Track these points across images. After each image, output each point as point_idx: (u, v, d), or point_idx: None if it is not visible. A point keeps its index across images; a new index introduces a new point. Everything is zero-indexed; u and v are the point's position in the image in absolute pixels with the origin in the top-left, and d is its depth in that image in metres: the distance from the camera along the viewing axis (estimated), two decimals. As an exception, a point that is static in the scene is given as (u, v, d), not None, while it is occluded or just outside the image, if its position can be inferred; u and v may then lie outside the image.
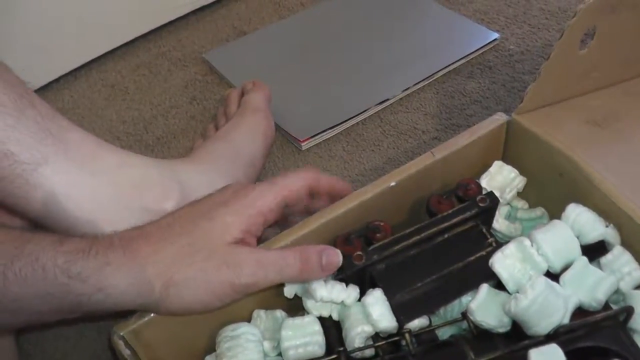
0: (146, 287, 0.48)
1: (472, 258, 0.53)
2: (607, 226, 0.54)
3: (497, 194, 0.57)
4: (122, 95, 0.90)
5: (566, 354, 0.46)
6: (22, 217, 0.61)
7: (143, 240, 0.49)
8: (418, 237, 0.53)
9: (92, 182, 0.56)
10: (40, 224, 0.58)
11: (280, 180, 0.54)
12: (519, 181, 0.61)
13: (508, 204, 0.62)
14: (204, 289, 0.48)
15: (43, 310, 0.47)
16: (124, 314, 0.51)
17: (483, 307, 0.49)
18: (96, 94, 0.91)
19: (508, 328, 0.49)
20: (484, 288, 0.50)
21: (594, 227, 0.53)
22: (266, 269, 0.49)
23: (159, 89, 0.90)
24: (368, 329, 0.50)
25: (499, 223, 0.59)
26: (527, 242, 0.51)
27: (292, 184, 0.54)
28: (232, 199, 0.51)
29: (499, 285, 0.51)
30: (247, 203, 0.51)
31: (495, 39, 0.88)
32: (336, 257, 0.51)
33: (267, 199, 0.52)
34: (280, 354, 0.51)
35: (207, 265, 0.48)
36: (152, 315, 0.51)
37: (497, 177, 0.61)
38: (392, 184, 0.57)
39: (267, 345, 0.52)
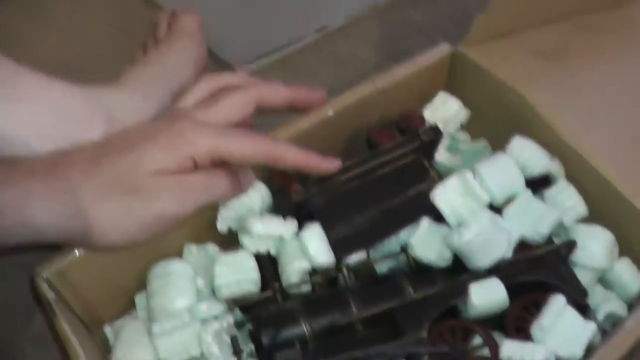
0: (69, 223, 0.44)
1: (413, 192, 0.52)
2: (551, 159, 0.53)
3: (440, 126, 0.55)
4: (45, 19, 0.85)
5: (507, 287, 0.45)
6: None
7: (66, 169, 0.45)
8: (358, 170, 0.51)
9: (9, 108, 0.53)
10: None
11: (218, 113, 0.49)
12: (463, 114, 0.60)
13: (450, 136, 0.60)
14: (130, 225, 0.45)
15: None
16: (51, 247, 0.48)
17: (423, 242, 0.48)
18: (17, 17, 0.85)
19: (449, 263, 0.48)
20: (425, 222, 0.49)
21: (539, 161, 0.52)
22: (195, 194, 0.46)
23: (85, 13, 0.85)
24: (305, 265, 0.48)
25: (440, 154, 0.57)
26: (469, 175, 0.49)
27: (232, 118, 0.49)
28: (163, 133, 0.47)
29: (439, 219, 0.49)
30: (178, 144, 0.46)
31: (440, -33, 0.85)
32: (251, 176, 0.50)
33: (201, 145, 0.46)
34: (213, 291, 0.49)
35: (132, 200, 0.45)
36: (77, 254, 0.49)
37: (440, 109, 0.59)
38: (330, 113, 0.55)
39: (199, 282, 0.50)
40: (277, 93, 0.52)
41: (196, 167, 0.47)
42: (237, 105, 0.50)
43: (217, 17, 0.78)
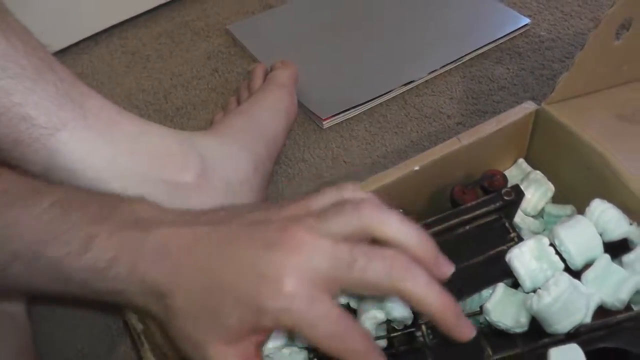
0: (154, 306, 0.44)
1: (493, 252, 0.52)
2: (631, 224, 0.52)
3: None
4: (143, 63, 0.89)
5: (586, 353, 0.45)
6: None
7: (153, 272, 0.43)
8: (439, 227, 0.52)
9: (110, 150, 0.56)
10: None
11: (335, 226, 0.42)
12: (549, 193, 0.60)
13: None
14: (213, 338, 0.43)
15: (67, 298, 0.46)
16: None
17: (499, 307, 0.48)
18: (116, 61, 0.90)
19: (525, 328, 0.47)
20: (500, 287, 0.49)
21: (618, 225, 0.51)
22: None
23: (181, 58, 0.89)
24: (380, 316, 0.48)
25: (520, 217, 0.58)
26: (545, 240, 0.49)
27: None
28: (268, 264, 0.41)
29: (517, 282, 0.49)
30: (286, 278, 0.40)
31: (526, 24, 0.87)
32: None
33: (319, 269, 0.41)
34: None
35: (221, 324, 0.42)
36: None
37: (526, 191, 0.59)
38: (416, 168, 0.56)
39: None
40: (391, 226, 0.45)
41: None
42: (352, 224, 0.43)
43: (307, 70, 0.80)
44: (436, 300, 0.42)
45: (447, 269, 0.45)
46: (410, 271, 0.42)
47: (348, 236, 0.42)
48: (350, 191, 0.46)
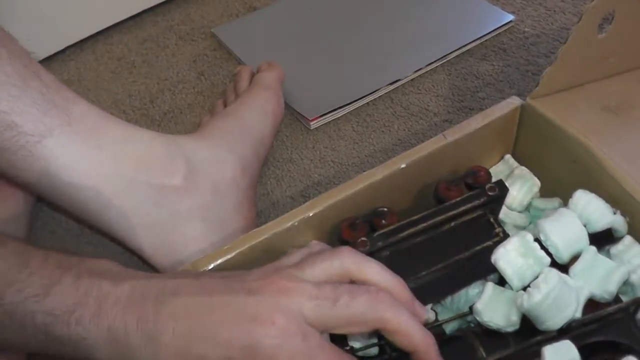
0: None
1: (479, 248, 0.52)
2: (614, 213, 0.52)
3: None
4: (129, 68, 0.89)
5: (579, 348, 0.45)
6: (25, 188, 0.61)
7: (140, 317, 0.42)
8: (424, 224, 0.52)
9: (96, 155, 0.56)
10: (43, 196, 0.58)
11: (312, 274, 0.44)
12: (535, 189, 0.60)
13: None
14: None
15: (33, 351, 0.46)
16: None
17: (490, 307, 0.47)
18: (102, 67, 0.90)
19: (517, 327, 0.47)
20: (489, 286, 0.48)
21: (603, 215, 0.51)
22: None
23: (166, 63, 0.89)
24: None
25: (506, 212, 0.58)
26: (529, 235, 0.49)
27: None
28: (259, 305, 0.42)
29: (503, 278, 0.49)
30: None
31: (510, 21, 0.87)
32: None
33: (303, 313, 0.42)
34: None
35: None
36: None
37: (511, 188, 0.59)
38: (403, 165, 0.56)
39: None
40: (370, 269, 0.46)
41: None
42: (331, 269, 0.45)
43: (293, 71, 0.80)
44: (421, 335, 0.44)
45: (423, 312, 0.47)
46: (394, 304, 0.43)
47: (328, 280, 0.44)
48: (320, 245, 0.49)
